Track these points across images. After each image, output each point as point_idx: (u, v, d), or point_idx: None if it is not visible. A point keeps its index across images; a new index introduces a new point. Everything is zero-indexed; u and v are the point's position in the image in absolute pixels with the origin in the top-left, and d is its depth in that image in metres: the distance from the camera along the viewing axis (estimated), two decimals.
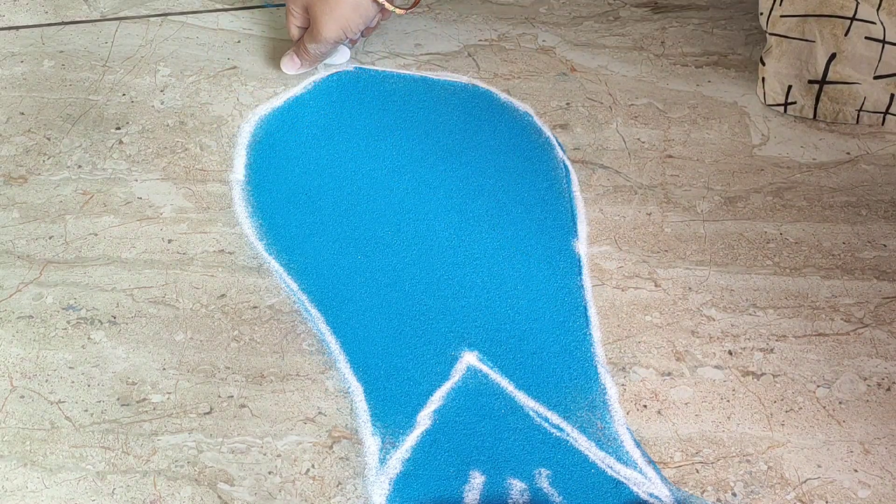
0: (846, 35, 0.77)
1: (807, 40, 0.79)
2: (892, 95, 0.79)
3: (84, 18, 0.95)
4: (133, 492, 0.61)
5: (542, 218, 0.76)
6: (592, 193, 0.79)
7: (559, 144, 0.82)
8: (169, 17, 0.95)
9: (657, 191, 0.79)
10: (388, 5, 0.74)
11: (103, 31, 0.93)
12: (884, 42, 0.76)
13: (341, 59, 0.83)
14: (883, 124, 0.82)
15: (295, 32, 0.80)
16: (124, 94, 0.87)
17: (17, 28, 0.94)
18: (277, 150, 0.82)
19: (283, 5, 0.96)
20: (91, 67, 0.89)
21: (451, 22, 0.94)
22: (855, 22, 0.76)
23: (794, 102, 0.83)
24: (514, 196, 0.78)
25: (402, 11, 0.73)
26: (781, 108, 0.84)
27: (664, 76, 0.89)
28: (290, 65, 0.82)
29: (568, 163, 0.81)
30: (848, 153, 0.82)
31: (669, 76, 0.89)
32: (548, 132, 0.83)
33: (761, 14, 0.82)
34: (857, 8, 0.75)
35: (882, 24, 0.75)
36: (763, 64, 0.83)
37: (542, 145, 0.82)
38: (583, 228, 0.76)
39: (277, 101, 0.86)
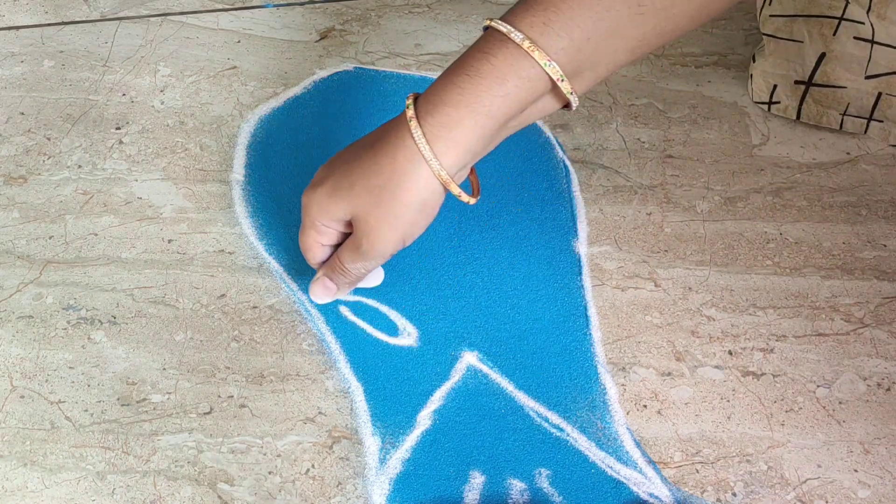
0: (834, 35, 0.77)
1: (795, 41, 0.79)
2: (877, 100, 0.79)
3: (84, 18, 0.95)
4: (133, 492, 0.61)
5: (542, 218, 0.76)
6: (592, 193, 0.79)
7: (559, 144, 0.82)
8: (169, 17, 0.95)
9: (657, 191, 0.79)
10: (463, 195, 0.55)
11: (103, 31, 0.93)
12: (872, 42, 0.76)
13: (376, 281, 0.65)
14: (866, 132, 0.82)
15: (318, 253, 0.59)
16: (124, 94, 0.87)
17: (17, 28, 0.94)
18: (277, 150, 0.82)
19: (283, 5, 0.96)
20: (91, 67, 0.89)
21: (451, 22, 0.94)
22: (843, 22, 0.76)
23: (779, 102, 0.83)
24: (513, 196, 0.78)
25: (473, 201, 0.58)
26: (766, 107, 0.84)
27: (664, 76, 0.89)
28: (323, 292, 0.61)
29: (568, 163, 0.81)
30: (848, 153, 0.82)
31: (669, 76, 0.89)
32: (548, 132, 0.83)
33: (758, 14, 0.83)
34: (845, 8, 0.75)
35: (871, 24, 0.75)
36: (753, 61, 0.84)
37: (542, 145, 0.82)
38: (583, 228, 0.76)
39: (277, 101, 0.86)
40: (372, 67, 0.89)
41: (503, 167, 0.80)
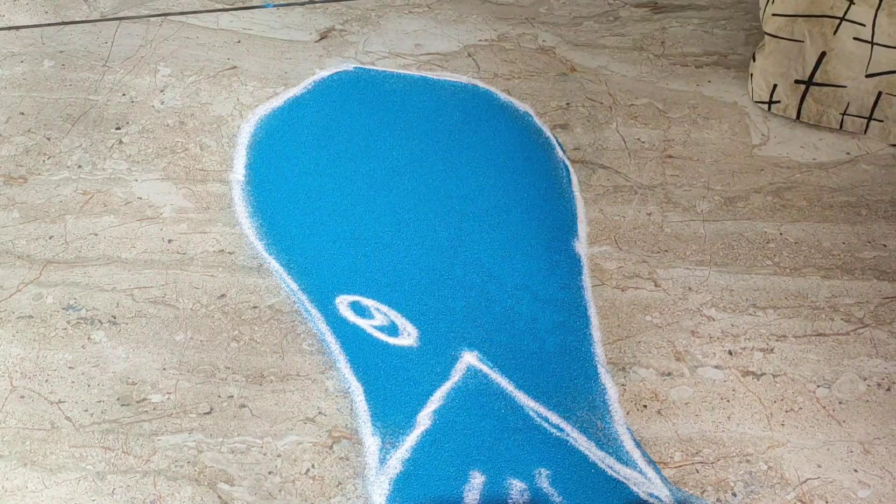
0: (835, 34, 0.78)
1: (796, 40, 0.80)
2: (877, 99, 0.80)
3: (84, 18, 0.95)
4: (133, 492, 0.61)
5: (542, 218, 0.76)
6: (592, 193, 0.79)
7: (559, 144, 0.82)
8: (169, 17, 0.95)
9: (657, 191, 0.79)
10: None
11: (103, 31, 0.93)
12: (872, 43, 0.76)
13: None
14: (866, 131, 0.82)
15: None
16: (124, 94, 0.87)
17: (17, 28, 0.94)
18: (277, 150, 0.82)
19: (283, 5, 0.96)
20: (91, 67, 0.89)
21: (451, 22, 0.94)
22: (844, 22, 0.77)
23: (779, 101, 0.84)
24: (514, 196, 0.78)
25: None
26: (766, 106, 0.85)
27: (664, 76, 0.89)
28: None
29: (568, 163, 0.81)
30: (848, 153, 0.82)
31: (669, 76, 0.89)
32: (548, 132, 0.83)
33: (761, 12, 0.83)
34: (848, 8, 0.76)
35: (872, 26, 0.76)
36: (753, 60, 0.84)
37: (542, 145, 0.82)
38: (583, 228, 0.76)
39: (277, 101, 0.86)
40: (372, 67, 0.89)
41: (503, 167, 0.80)
